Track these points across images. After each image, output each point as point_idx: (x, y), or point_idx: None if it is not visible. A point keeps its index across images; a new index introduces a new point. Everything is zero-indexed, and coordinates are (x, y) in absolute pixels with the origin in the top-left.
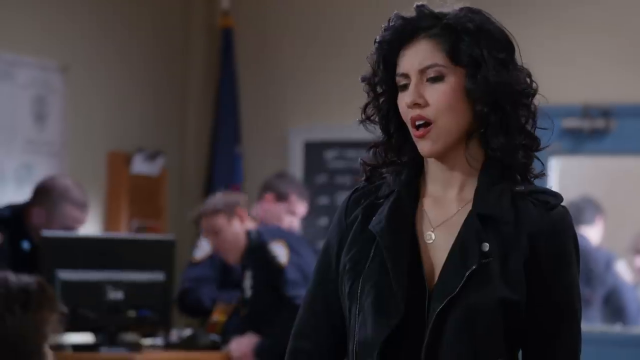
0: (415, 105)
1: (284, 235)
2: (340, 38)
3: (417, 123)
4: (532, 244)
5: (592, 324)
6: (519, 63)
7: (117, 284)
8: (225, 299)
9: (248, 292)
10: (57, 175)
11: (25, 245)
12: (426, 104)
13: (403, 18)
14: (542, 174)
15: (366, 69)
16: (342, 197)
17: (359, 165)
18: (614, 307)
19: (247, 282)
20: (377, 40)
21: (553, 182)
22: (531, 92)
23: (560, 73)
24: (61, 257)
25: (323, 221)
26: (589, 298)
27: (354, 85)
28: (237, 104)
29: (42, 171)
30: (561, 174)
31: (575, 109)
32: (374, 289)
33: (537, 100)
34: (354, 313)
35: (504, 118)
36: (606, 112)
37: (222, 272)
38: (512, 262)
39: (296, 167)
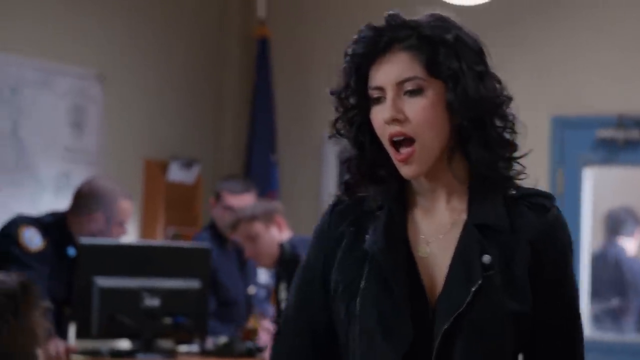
0: (394, 120)
1: None
2: None
3: (395, 139)
4: (534, 249)
5: (626, 334)
6: (491, 68)
7: (153, 291)
8: (261, 308)
9: (284, 304)
10: (95, 178)
11: (71, 251)
12: (406, 119)
13: (375, 28)
14: (523, 175)
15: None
16: None
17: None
18: None
19: (283, 294)
20: (348, 53)
21: (587, 193)
22: (507, 100)
23: (596, 83)
24: (99, 264)
25: None
26: (624, 308)
27: None
28: (272, 112)
29: (80, 179)
30: (595, 184)
31: (610, 120)
32: (375, 309)
33: (513, 106)
34: (354, 334)
35: (483, 131)
36: None
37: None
38: (516, 271)
39: (331, 175)
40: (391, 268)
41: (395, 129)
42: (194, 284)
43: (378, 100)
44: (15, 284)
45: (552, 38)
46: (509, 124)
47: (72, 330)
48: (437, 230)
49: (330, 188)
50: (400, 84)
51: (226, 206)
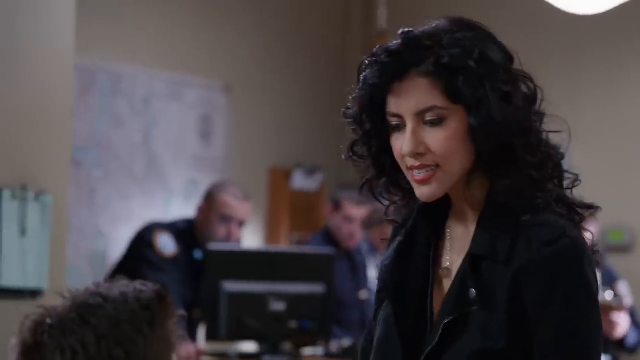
0: (416, 155)
1: None
2: None
3: (416, 172)
4: (516, 280)
5: None
6: (519, 79)
7: (279, 295)
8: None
9: None
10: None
11: (198, 254)
12: (427, 151)
13: (390, 53)
14: (574, 185)
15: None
16: None
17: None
18: None
19: None
20: (362, 80)
21: None
22: (538, 117)
23: None
24: (226, 269)
25: None
26: None
27: None
28: None
29: (207, 186)
30: None
31: None
32: (385, 324)
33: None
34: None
35: (509, 155)
36: None
37: None
38: (498, 304)
39: None
40: (391, 289)
41: (416, 163)
42: (318, 288)
43: (397, 127)
44: (151, 293)
45: None
46: (542, 144)
47: (201, 333)
48: (462, 245)
49: None
50: (420, 114)
51: (347, 216)
